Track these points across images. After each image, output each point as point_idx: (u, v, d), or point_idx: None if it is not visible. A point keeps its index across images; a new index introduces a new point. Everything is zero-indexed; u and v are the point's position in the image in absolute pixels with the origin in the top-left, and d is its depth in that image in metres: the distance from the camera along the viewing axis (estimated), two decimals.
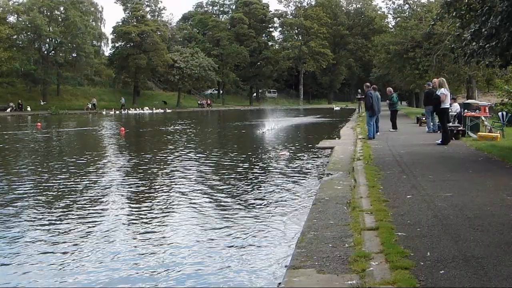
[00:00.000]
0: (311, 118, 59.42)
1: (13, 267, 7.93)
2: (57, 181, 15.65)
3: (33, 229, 10.05)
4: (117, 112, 79.34)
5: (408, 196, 10.24)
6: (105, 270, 7.61)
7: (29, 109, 77.39)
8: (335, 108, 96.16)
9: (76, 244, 8.99)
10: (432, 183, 11.70)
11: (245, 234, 9.52)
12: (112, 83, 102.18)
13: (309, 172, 16.97)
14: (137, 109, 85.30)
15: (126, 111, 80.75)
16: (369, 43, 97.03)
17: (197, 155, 22.09)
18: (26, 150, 26.36)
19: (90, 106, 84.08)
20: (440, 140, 20.33)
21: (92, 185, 15.08)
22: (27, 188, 14.49)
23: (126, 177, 16.69)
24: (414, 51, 49.26)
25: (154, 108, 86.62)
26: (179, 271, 7.52)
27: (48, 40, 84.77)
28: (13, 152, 25.19)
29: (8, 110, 75.21)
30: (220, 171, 17.70)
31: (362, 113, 49.38)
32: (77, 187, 14.66)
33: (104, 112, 78.09)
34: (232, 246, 8.82)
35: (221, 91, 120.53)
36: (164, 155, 22.28)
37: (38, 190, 14.21)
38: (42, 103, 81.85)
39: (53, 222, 10.60)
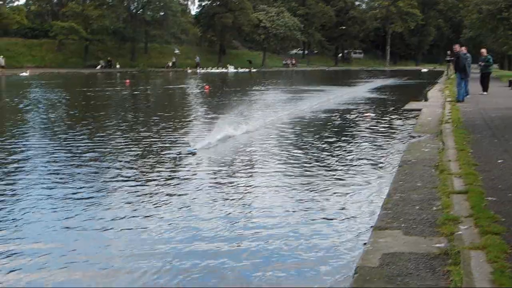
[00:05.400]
0: (397, 80, 58.14)
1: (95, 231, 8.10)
2: (145, 138, 16.03)
3: (116, 187, 10.32)
4: (200, 70, 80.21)
5: (500, 161, 9.91)
6: (183, 237, 7.42)
7: (118, 66, 79.44)
8: (422, 70, 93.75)
9: (157, 206, 8.96)
10: None
11: (329, 195, 9.46)
12: (199, 42, 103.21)
13: (395, 134, 16.70)
14: (221, 67, 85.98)
15: (202, 70, 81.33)
16: (460, 2, 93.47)
17: (278, 114, 22.02)
18: (115, 106, 27.15)
19: (170, 64, 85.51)
20: None
21: (177, 142, 15.32)
22: (117, 143, 14.98)
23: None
24: (508, 11, 47.04)
25: (239, 68, 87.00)
26: (261, 237, 7.40)
27: None
28: (104, 108, 25.98)
29: (99, 67, 77.53)
30: (303, 132, 17.65)
31: (450, 75, 47.94)
32: (163, 144, 14.92)
33: (189, 71, 79.14)
34: (316, 207, 8.79)
35: (306, 51, 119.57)
36: (249, 113, 22.35)
37: (125, 147, 14.61)
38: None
39: (136, 182, 10.75)
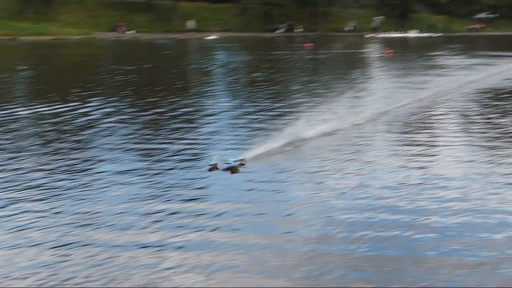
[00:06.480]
0: None
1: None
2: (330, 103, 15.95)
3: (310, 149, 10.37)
4: (378, 34, 78.49)
5: None
6: (366, 206, 7.36)
7: (300, 30, 79.92)
8: None
9: (343, 174, 9.02)
10: None
11: None
12: (379, 6, 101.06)
13: None
14: (401, 32, 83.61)
15: (381, 34, 79.24)
16: None
17: (467, 78, 20.95)
18: (299, 69, 27.55)
19: (349, 29, 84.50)
20: None
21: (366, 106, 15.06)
22: (303, 108, 15.13)
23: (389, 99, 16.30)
24: None
25: (423, 31, 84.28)
26: (448, 209, 7.17)
27: None
28: (288, 71, 26.46)
29: (279, 31, 78.70)
30: (497, 100, 16.78)
31: None
32: (347, 109, 14.60)
33: (368, 35, 77.71)
34: (504, 179, 8.43)
35: (494, 15, 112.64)
36: (435, 78, 21.56)
37: (311, 112, 14.65)
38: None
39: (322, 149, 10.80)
